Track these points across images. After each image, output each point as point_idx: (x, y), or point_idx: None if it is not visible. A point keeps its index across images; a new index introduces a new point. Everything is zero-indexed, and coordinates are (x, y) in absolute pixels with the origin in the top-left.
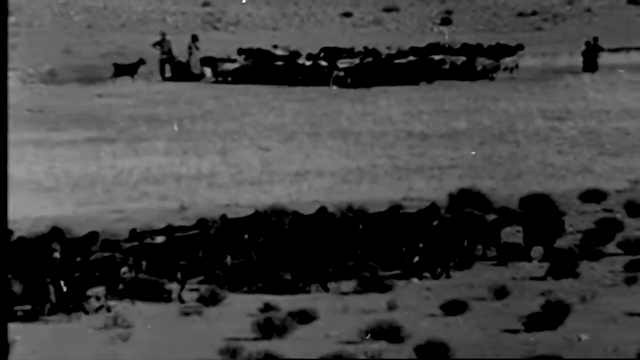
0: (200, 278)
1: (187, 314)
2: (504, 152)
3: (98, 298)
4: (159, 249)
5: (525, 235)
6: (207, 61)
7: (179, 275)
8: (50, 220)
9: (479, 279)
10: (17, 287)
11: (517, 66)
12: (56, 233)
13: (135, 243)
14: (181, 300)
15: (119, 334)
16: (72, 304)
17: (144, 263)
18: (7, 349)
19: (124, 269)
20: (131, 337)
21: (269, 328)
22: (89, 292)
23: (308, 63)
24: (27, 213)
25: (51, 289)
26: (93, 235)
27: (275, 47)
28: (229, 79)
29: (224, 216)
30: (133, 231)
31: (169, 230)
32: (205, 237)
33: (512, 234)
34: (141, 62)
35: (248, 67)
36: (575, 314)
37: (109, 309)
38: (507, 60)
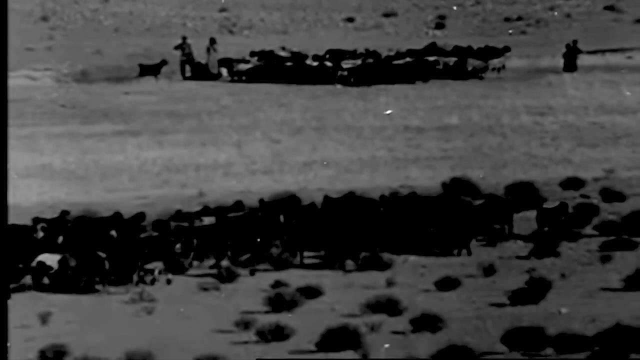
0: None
1: (205, 289)
2: (491, 144)
3: (160, 272)
4: (208, 229)
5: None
6: (223, 62)
7: (228, 253)
8: (82, 205)
9: (469, 258)
10: (72, 262)
11: (504, 67)
12: (115, 215)
13: (185, 224)
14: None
15: (144, 307)
16: (131, 277)
17: (194, 241)
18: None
19: (178, 246)
20: (155, 310)
21: (279, 302)
22: (148, 266)
23: (315, 64)
24: (62, 198)
25: (107, 263)
26: (141, 216)
27: (282, 48)
28: (244, 78)
29: (261, 200)
30: (179, 212)
31: (212, 211)
32: (251, 219)
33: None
34: (164, 62)
35: (260, 68)
36: (556, 289)
37: (169, 281)
38: (495, 62)
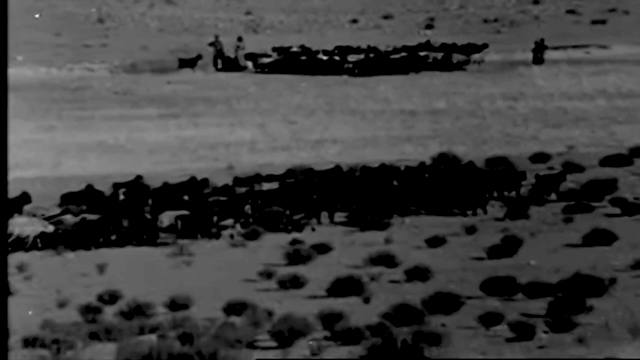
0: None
1: (235, 245)
2: (473, 125)
3: (233, 227)
4: (268, 194)
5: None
6: (249, 56)
7: (287, 212)
8: (132, 175)
9: (454, 220)
10: (125, 223)
11: (483, 60)
12: (190, 180)
13: (245, 189)
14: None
15: (184, 260)
16: (211, 232)
17: (247, 207)
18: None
19: (247, 207)
20: (193, 263)
21: (295, 257)
22: (224, 223)
23: (325, 58)
24: (115, 170)
25: (179, 222)
26: (205, 181)
27: (302, 47)
28: (266, 70)
29: (310, 169)
30: (237, 179)
31: (272, 178)
32: (305, 184)
33: None
34: (199, 57)
35: (280, 61)
36: (526, 245)
37: (241, 235)
38: (476, 56)
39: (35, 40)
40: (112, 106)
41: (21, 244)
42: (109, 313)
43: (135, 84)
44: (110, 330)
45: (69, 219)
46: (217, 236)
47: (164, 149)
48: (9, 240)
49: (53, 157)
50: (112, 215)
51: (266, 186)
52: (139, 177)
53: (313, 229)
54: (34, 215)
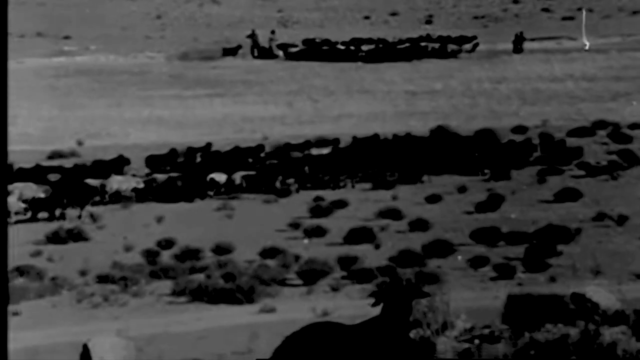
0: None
1: (268, 202)
2: (464, 103)
3: (292, 185)
4: (320, 159)
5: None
6: (280, 46)
7: (336, 173)
8: (184, 144)
9: (448, 181)
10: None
11: (473, 49)
12: (258, 147)
13: (301, 153)
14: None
15: (226, 214)
16: (275, 188)
17: (306, 169)
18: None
19: (307, 168)
20: (234, 215)
21: (318, 211)
22: (288, 181)
23: (342, 48)
24: (170, 139)
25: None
26: (262, 147)
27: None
28: (294, 57)
29: (355, 137)
30: (288, 144)
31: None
32: (354, 150)
33: None
34: (239, 47)
35: (306, 50)
36: (508, 202)
37: (297, 190)
38: (467, 46)
39: (106, 33)
40: (168, 87)
41: (118, 197)
42: (166, 256)
43: (187, 69)
44: (167, 270)
45: (159, 177)
46: (284, 193)
47: (211, 123)
48: (109, 193)
49: (120, 128)
50: (194, 174)
51: (315, 152)
52: (209, 144)
53: (353, 186)
54: (124, 174)
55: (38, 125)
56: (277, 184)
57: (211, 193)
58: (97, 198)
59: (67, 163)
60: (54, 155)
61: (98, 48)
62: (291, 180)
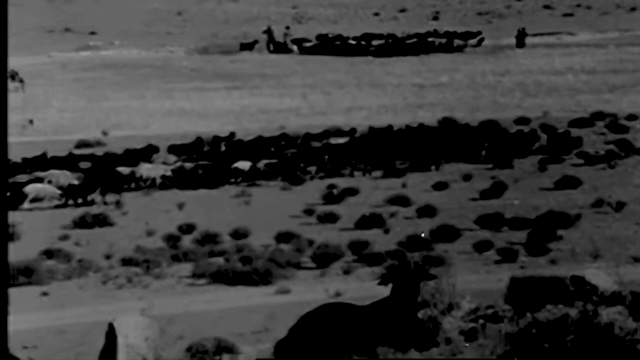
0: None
1: (284, 189)
2: (469, 95)
3: (315, 172)
4: (339, 147)
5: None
6: (295, 41)
7: (353, 162)
8: (204, 134)
9: (454, 169)
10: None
11: (478, 44)
12: (281, 135)
13: (320, 143)
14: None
15: (244, 200)
16: (296, 176)
17: (326, 157)
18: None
19: (327, 157)
20: (252, 202)
21: (331, 198)
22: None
23: (354, 42)
24: (190, 130)
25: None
26: (284, 135)
27: (330, 34)
28: (308, 52)
29: (371, 127)
30: (308, 135)
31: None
32: (372, 139)
33: None
34: (256, 42)
35: (319, 45)
36: (511, 189)
37: (321, 177)
38: (472, 41)
39: (130, 29)
40: (188, 80)
41: (152, 183)
42: (187, 240)
43: (206, 63)
44: (187, 254)
45: (186, 165)
46: (298, 181)
47: (229, 114)
48: (140, 180)
49: (143, 119)
50: (219, 162)
51: (333, 141)
52: (232, 134)
53: (364, 174)
54: (152, 162)
55: (66, 116)
56: (298, 172)
57: (237, 180)
58: (132, 185)
59: (94, 152)
60: (81, 144)
61: (122, 43)
62: (312, 168)
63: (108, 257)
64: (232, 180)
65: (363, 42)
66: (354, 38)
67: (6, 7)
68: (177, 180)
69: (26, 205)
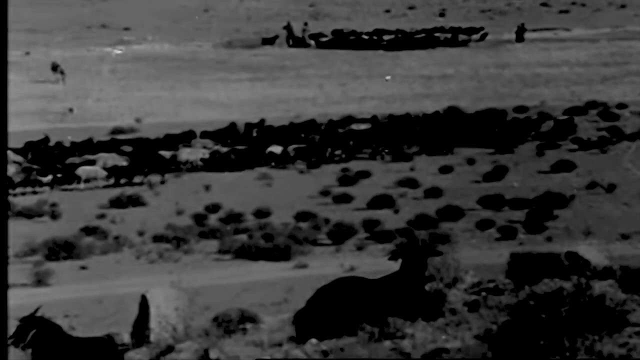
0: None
1: (302, 172)
2: (473, 86)
3: (339, 156)
4: (362, 133)
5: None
6: (312, 36)
7: (373, 146)
8: (228, 122)
9: (459, 155)
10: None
11: (481, 39)
12: (310, 122)
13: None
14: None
15: (266, 183)
16: (325, 158)
17: (351, 142)
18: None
19: (351, 142)
20: (273, 184)
21: (345, 180)
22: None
23: (366, 37)
24: (216, 118)
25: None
26: (313, 122)
27: (345, 29)
28: (324, 46)
29: (390, 115)
30: (332, 121)
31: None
32: (392, 125)
33: None
34: (276, 37)
35: (335, 40)
36: (512, 172)
37: (344, 161)
38: (475, 36)
39: (160, 25)
40: (214, 72)
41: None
42: (213, 219)
43: (231, 56)
44: (214, 231)
45: (221, 149)
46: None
47: (251, 103)
48: (181, 163)
49: (172, 108)
50: (253, 146)
51: (355, 127)
52: (262, 120)
53: (383, 157)
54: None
55: (103, 105)
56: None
57: (272, 163)
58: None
59: (128, 138)
60: (116, 130)
61: (154, 38)
62: (338, 152)
63: (141, 234)
64: (266, 163)
65: (375, 37)
66: (367, 33)
67: (6, 7)
68: (211, 164)
69: (82, 186)
